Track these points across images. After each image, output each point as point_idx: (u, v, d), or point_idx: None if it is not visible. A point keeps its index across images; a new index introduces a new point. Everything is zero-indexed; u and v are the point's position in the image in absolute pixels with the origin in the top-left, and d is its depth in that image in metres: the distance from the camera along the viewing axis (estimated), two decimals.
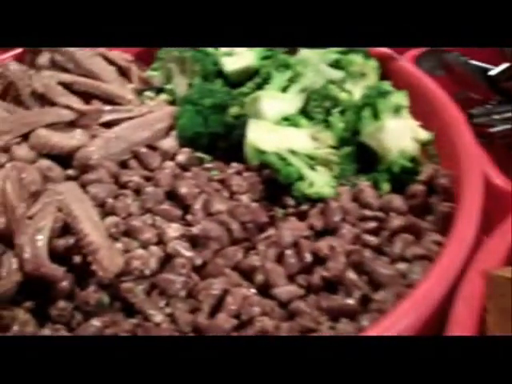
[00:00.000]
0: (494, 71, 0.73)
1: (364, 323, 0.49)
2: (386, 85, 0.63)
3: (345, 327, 0.50)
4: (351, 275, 0.53)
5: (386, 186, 0.62)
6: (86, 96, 0.73)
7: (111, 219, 0.60)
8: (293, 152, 0.62)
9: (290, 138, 0.64)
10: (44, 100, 0.71)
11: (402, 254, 0.55)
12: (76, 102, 0.71)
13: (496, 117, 0.68)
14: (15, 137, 0.68)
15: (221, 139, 0.70)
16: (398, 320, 0.46)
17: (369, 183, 0.62)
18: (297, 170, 0.61)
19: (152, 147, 0.70)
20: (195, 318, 0.53)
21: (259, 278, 0.56)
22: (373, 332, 0.45)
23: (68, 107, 0.69)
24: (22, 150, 0.68)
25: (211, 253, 0.59)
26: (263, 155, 0.62)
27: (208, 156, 0.70)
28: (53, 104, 0.71)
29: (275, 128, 0.64)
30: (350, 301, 0.51)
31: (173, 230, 0.60)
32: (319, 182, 0.61)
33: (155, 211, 0.62)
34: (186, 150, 0.69)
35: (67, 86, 0.72)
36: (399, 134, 0.62)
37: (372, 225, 0.58)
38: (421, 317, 0.46)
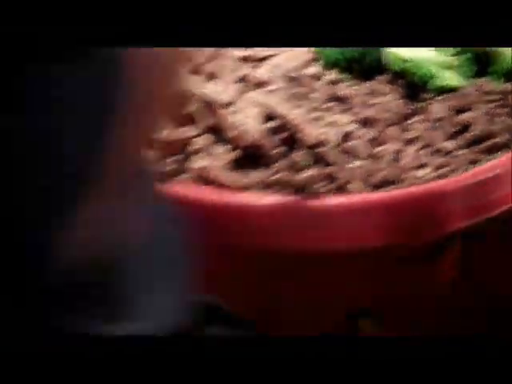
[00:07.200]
0: None
1: None
2: None
3: None
4: None
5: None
6: None
7: None
8: (423, 59, 0.83)
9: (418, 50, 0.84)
10: None
11: None
12: None
13: None
14: None
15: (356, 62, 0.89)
16: None
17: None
18: (429, 71, 0.82)
19: None
20: None
21: None
22: None
23: None
24: None
25: None
26: (403, 62, 0.82)
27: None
28: None
29: None
30: None
31: None
32: (448, 77, 0.82)
33: None
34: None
35: None
36: None
37: None
38: None
